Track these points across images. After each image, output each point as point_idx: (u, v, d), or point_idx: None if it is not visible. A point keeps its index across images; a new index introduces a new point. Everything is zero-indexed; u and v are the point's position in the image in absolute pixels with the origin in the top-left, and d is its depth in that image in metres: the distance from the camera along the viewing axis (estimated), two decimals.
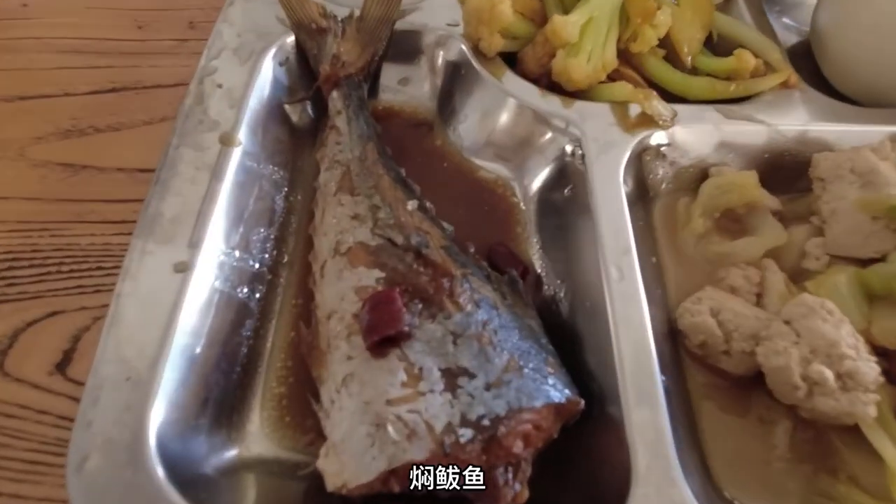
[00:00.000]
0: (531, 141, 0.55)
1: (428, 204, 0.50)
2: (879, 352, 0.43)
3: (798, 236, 0.50)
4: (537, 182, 0.55)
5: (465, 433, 0.35)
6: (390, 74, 0.63)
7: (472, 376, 0.37)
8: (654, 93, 0.53)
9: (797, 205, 0.52)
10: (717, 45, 0.62)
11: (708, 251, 0.51)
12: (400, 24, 0.61)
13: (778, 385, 0.41)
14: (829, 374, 0.39)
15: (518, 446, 0.35)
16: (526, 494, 0.36)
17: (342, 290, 0.44)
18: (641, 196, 0.54)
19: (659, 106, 0.53)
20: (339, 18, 0.60)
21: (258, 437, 0.42)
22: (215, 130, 0.50)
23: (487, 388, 0.37)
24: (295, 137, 0.58)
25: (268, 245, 0.51)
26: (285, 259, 0.51)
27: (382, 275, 0.43)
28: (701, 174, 0.54)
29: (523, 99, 0.55)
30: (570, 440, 0.39)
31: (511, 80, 0.56)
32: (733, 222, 0.53)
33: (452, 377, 0.37)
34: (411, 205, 0.49)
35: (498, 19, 0.54)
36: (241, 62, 0.56)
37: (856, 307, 0.44)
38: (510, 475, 0.36)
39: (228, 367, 0.43)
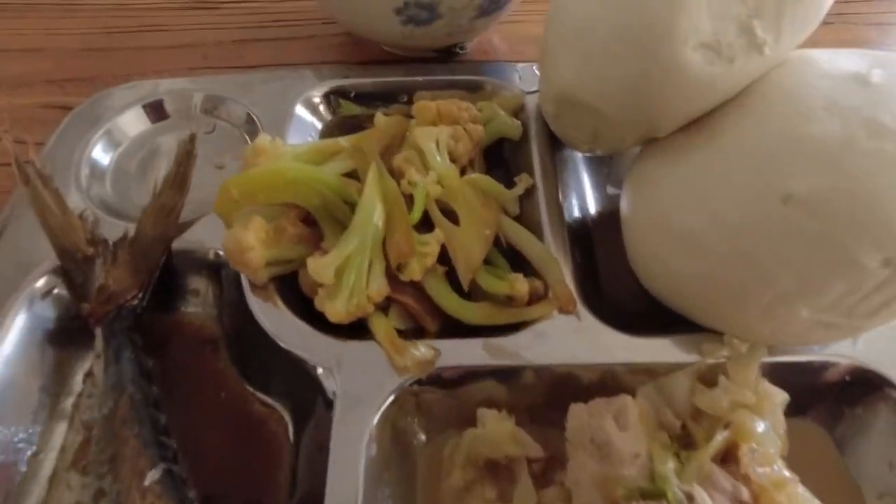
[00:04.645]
0: (304, 382, 0.53)
1: (176, 469, 0.49)
2: None
3: (549, 498, 0.48)
4: (311, 426, 0.53)
5: None
6: (181, 285, 0.61)
7: None
8: (404, 344, 0.51)
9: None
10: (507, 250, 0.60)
11: None
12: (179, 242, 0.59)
13: None
14: None
15: None
16: None
17: None
18: (407, 443, 0.52)
19: (415, 353, 0.51)
20: (111, 242, 0.58)
21: None
22: None
23: None
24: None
25: None
26: None
27: None
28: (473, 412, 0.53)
29: (283, 338, 0.53)
30: None
31: (277, 315, 0.54)
32: (503, 470, 0.51)
33: None
34: (152, 476, 0.47)
35: (249, 265, 0.52)
36: None
37: None
38: None
39: None
